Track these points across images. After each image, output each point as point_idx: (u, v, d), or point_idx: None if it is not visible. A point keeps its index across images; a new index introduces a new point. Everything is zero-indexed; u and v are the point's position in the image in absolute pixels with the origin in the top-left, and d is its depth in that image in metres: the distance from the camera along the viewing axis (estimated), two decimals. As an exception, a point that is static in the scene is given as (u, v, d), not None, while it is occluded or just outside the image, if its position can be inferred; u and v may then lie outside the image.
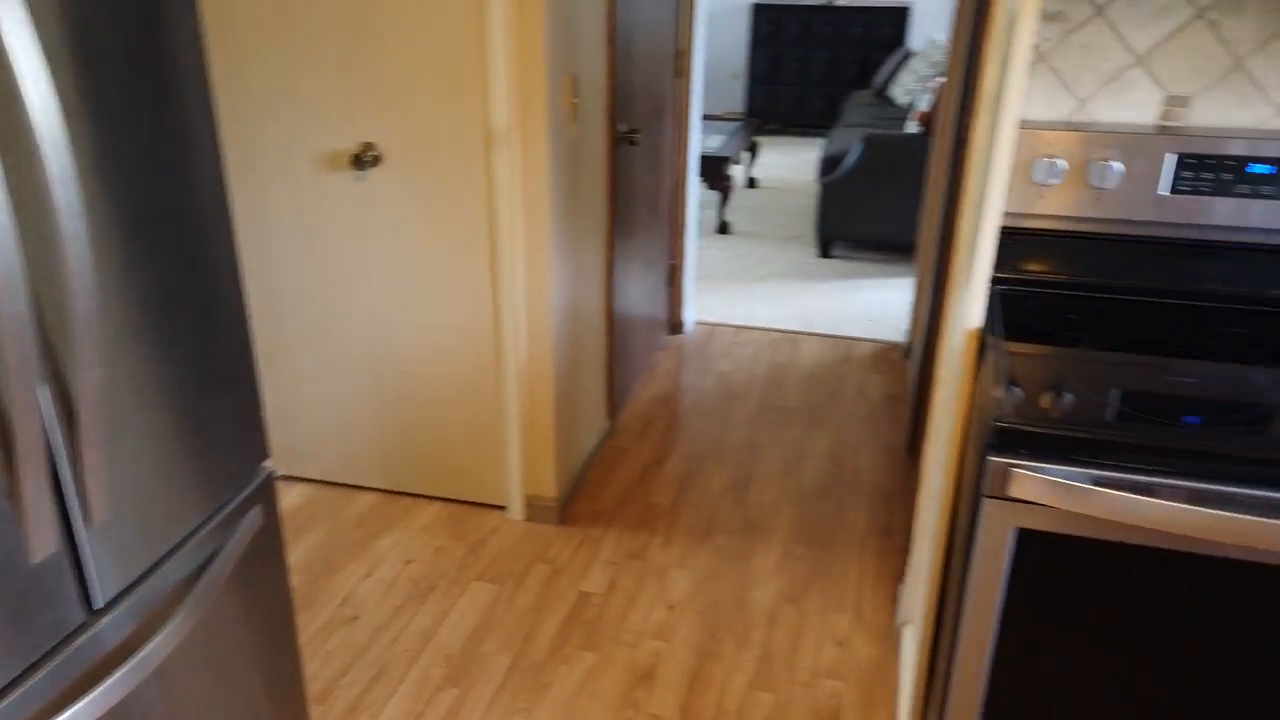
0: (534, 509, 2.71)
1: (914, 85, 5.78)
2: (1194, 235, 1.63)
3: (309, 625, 2.30)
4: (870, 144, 4.57)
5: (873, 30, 7.17)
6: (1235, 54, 1.60)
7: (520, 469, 2.68)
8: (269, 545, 1.47)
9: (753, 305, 4.26)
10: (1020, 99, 1.48)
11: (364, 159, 2.43)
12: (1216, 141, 1.56)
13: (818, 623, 2.33)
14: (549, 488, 2.69)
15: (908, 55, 6.25)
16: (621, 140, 2.92)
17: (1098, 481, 1.26)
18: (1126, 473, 1.26)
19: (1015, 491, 1.29)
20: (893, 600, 2.41)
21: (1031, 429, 1.29)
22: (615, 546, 2.61)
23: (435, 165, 2.42)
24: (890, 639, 2.27)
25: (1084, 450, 1.27)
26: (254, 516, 1.39)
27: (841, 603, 2.40)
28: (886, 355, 3.79)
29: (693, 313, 4.07)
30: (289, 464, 2.89)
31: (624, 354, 3.27)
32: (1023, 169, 1.65)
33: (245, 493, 1.38)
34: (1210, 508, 1.21)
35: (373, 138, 2.43)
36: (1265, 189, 1.56)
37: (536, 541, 2.62)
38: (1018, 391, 1.37)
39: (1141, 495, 1.24)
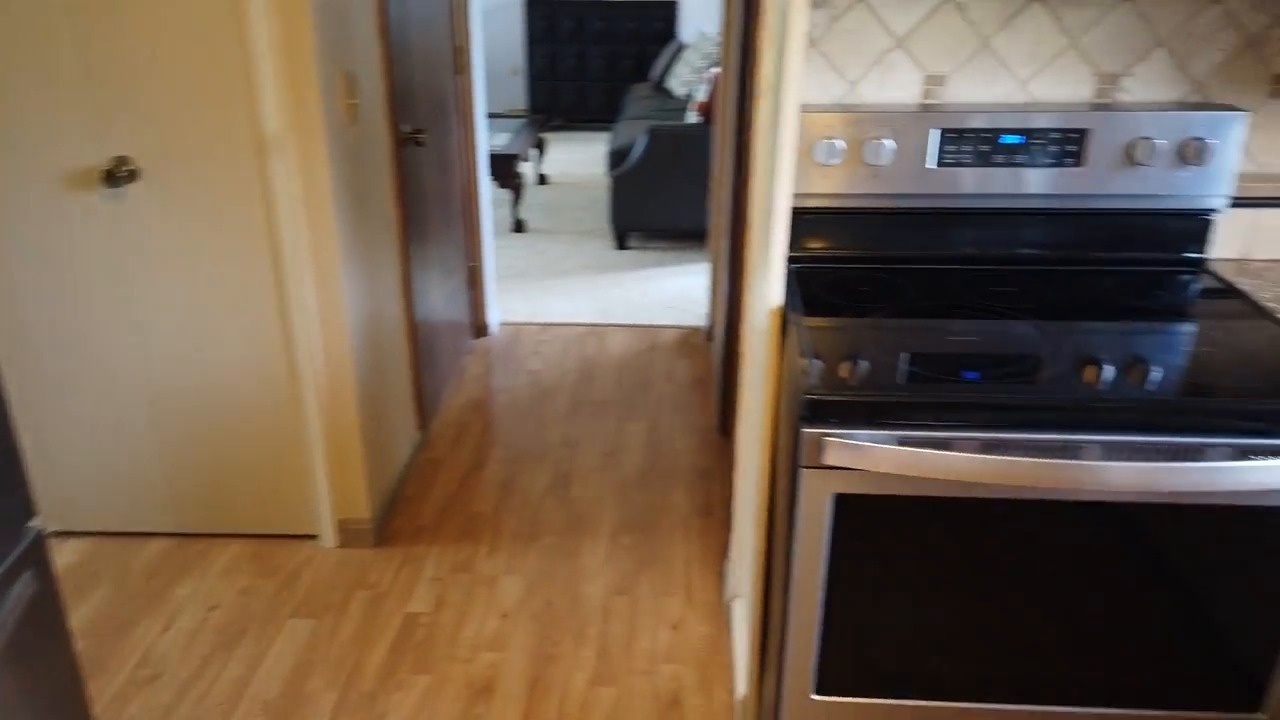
0: (348, 533, 2.57)
1: (690, 77, 5.95)
2: (960, 204, 1.76)
3: (103, 692, 2.08)
4: (654, 136, 4.66)
5: (645, 24, 7.32)
6: (981, 34, 1.73)
7: (329, 493, 2.53)
8: (46, 611, 1.30)
9: (556, 301, 4.24)
10: (799, 84, 1.53)
11: (118, 175, 2.20)
12: (972, 116, 1.69)
13: (650, 609, 2.35)
14: (362, 509, 2.56)
15: (681, 48, 6.42)
16: (406, 141, 2.82)
17: (902, 441, 1.33)
18: (926, 430, 1.34)
19: (830, 459, 1.34)
20: (720, 577, 2.46)
21: (839, 399, 1.34)
22: (439, 562, 2.52)
23: (201, 177, 2.24)
24: (721, 615, 2.33)
25: (887, 414, 1.34)
26: (25, 582, 1.23)
27: (671, 586, 2.43)
28: (690, 340, 3.89)
29: (497, 314, 4.01)
30: (62, 518, 2.60)
31: (430, 361, 3.17)
32: (805, 151, 1.72)
33: (11, 558, 1.22)
34: (999, 454, 1.31)
35: (126, 150, 2.21)
36: (1018, 157, 1.71)
37: (354, 567, 2.49)
38: (820, 364, 1.42)
39: (940, 450, 1.32)
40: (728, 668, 2.17)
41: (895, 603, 1.46)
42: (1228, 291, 1.70)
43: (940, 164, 1.72)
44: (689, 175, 4.70)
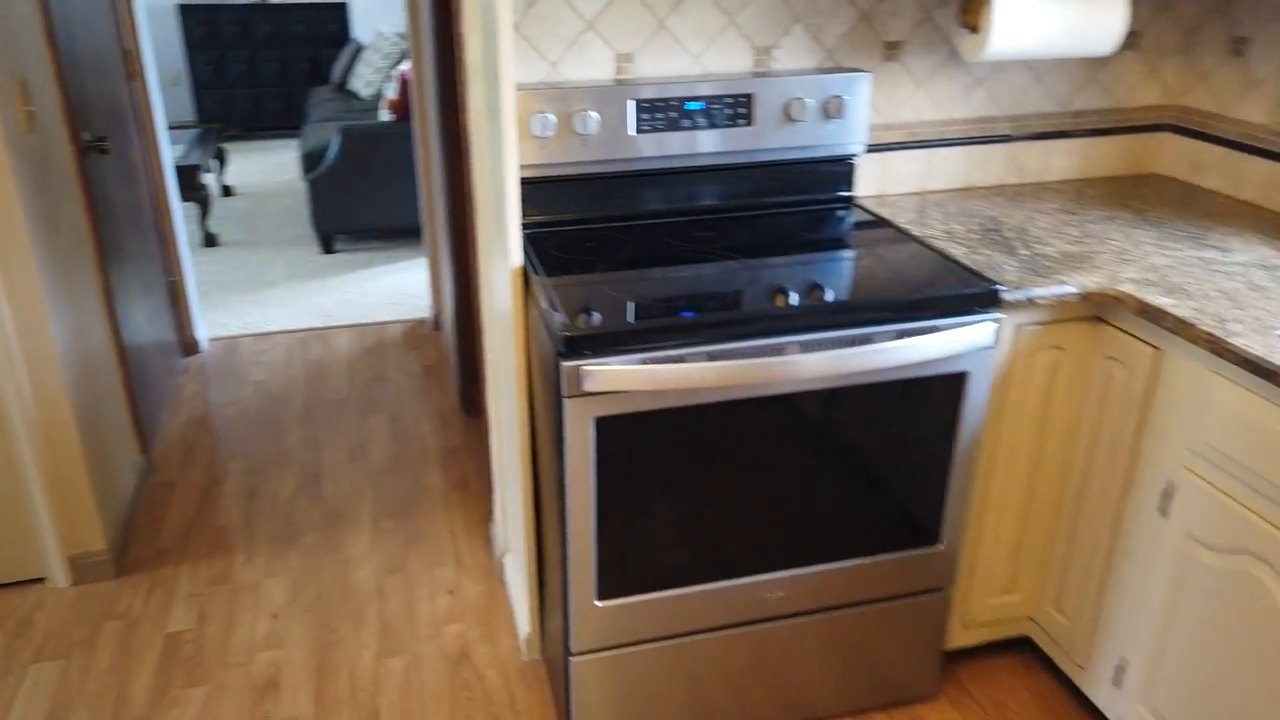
0: (83, 569, 2.41)
1: (373, 76, 5.91)
2: (661, 165, 2.01)
3: None
4: (348, 136, 4.63)
5: (316, 26, 7.12)
6: (658, 16, 1.99)
7: (55, 530, 2.35)
8: None
9: (268, 311, 4.11)
10: (511, 66, 1.70)
11: None
12: (659, 88, 1.95)
13: (424, 581, 2.43)
14: (96, 541, 2.40)
15: (360, 48, 6.34)
16: (89, 149, 2.65)
17: (644, 361, 1.55)
18: (662, 350, 1.56)
19: (588, 387, 1.53)
20: (487, 540, 2.60)
21: (589, 333, 1.54)
22: (192, 578, 2.43)
23: None
24: (493, 572, 2.46)
25: (630, 341, 1.55)
26: None
27: (441, 557, 2.52)
28: (417, 331, 3.94)
29: (205, 330, 3.82)
30: None
31: (144, 383, 2.99)
32: (523, 125, 1.89)
33: None
34: (721, 361, 1.57)
35: None
36: (701, 121, 1.99)
37: (96, 601, 2.34)
38: (564, 312, 1.61)
39: (676, 364, 1.55)
40: (508, 615, 2.31)
41: (654, 506, 1.68)
42: (876, 221, 2.09)
43: (639, 131, 1.96)
44: (389, 173, 4.71)
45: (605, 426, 1.60)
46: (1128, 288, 1.71)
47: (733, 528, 1.75)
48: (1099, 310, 1.80)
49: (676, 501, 1.70)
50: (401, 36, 5.85)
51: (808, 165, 2.11)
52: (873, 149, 2.22)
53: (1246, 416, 1.50)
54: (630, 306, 1.63)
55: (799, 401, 1.68)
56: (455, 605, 2.35)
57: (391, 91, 4.76)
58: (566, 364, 1.52)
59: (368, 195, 4.73)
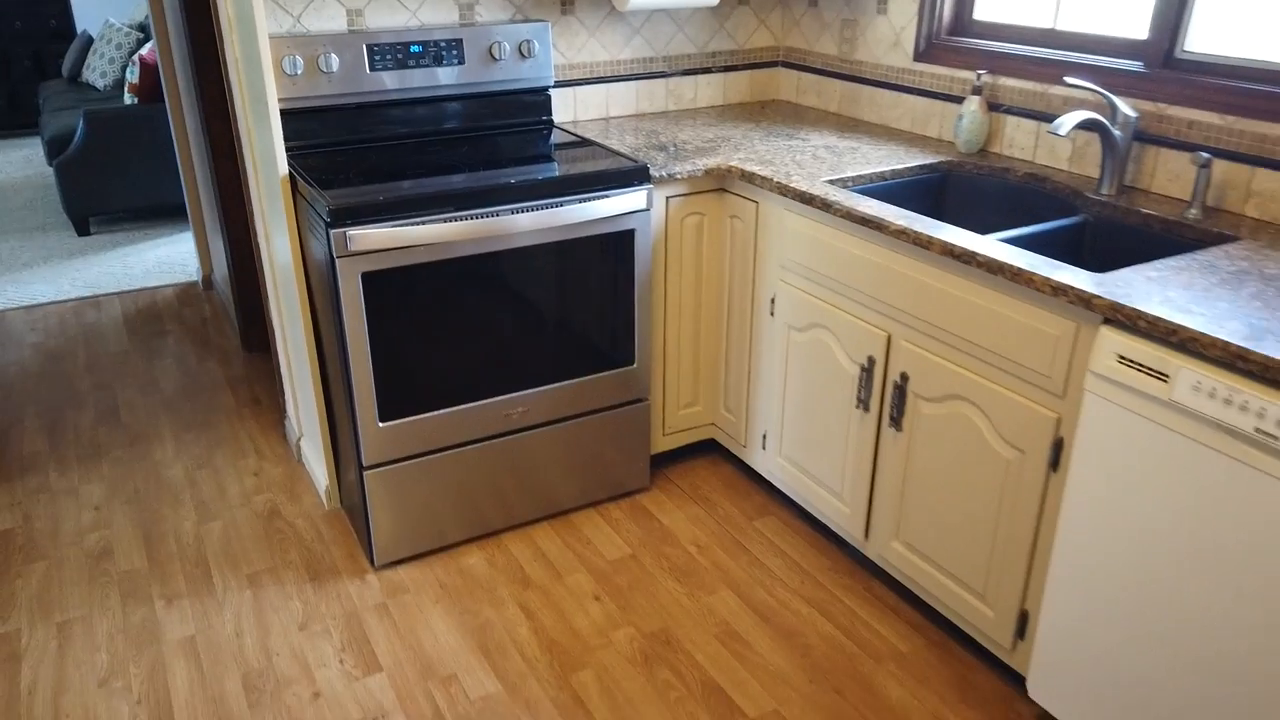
0: (-102, 498, 2.64)
1: (107, 67, 5.95)
2: (395, 96, 2.56)
3: None
4: (92, 120, 4.77)
5: (36, 22, 6.95)
6: (381, -19, 2.54)
7: None
8: None
9: (31, 288, 4.23)
10: (264, 19, 2.20)
11: None
12: (387, 35, 2.49)
13: (231, 470, 2.86)
14: (-92, 472, 2.64)
15: (90, 40, 6.32)
16: None
17: (392, 225, 2.11)
18: (406, 218, 2.13)
19: (353, 247, 2.07)
20: (282, 436, 3.04)
21: (350, 204, 2.08)
22: (10, 492, 2.72)
23: None
24: (290, 458, 2.92)
25: (382, 210, 2.10)
26: None
27: (243, 452, 2.95)
28: (189, 292, 4.23)
29: (-33, 308, 3.93)
30: None
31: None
32: (277, 66, 2.38)
33: None
34: (456, 223, 2.16)
35: None
36: (424, 61, 2.55)
37: (-82, 522, 2.60)
38: (328, 199, 2.14)
39: (415, 225, 2.12)
40: (308, 485, 2.79)
41: (415, 344, 2.25)
42: (569, 135, 2.74)
43: (372, 69, 2.50)
44: (139, 154, 4.89)
45: (370, 281, 2.14)
46: (735, 163, 2.46)
47: (478, 358, 2.35)
48: (721, 183, 2.54)
49: (431, 339, 2.27)
50: (134, 27, 5.94)
51: (512, 95, 2.73)
52: (562, 84, 2.88)
53: (804, 233, 2.28)
54: (378, 191, 2.19)
55: (519, 256, 2.30)
56: (260, 482, 2.80)
57: (133, 75, 4.94)
58: (335, 230, 2.06)
59: (119, 176, 4.89)
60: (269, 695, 2.04)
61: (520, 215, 2.23)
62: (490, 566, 2.44)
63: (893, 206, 2.14)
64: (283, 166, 2.29)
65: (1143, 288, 1.63)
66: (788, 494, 2.60)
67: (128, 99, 5.05)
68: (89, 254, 4.69)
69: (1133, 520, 1.62)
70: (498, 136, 2.70)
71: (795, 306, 2.37)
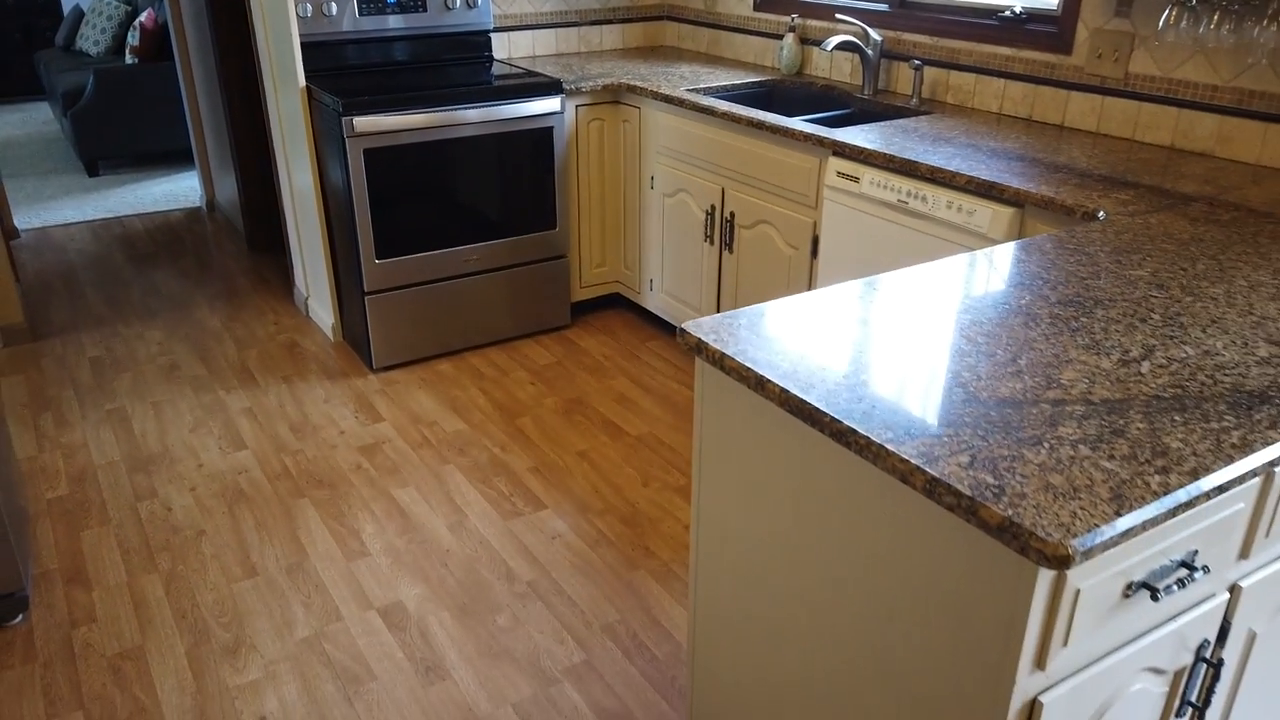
0: (9, 333, 3.54)
1: (100, 36, 6.74)
2: (378, 35, 3.52)
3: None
4: (101, 76, 5.61)
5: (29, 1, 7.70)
6: (365, -48, 3.49)
7: (-15, 311, 3.48)
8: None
9: (61, 211, 5.09)
10: (286, -26, 3.15)
11: None
12: (372, -8, 3.45)
13: (256, 321, 3.80)
14: (16, 316, 3.55)
15: (82, 13, 7.10)
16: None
17: (387, 114, 3.08)
18: (393, 111, 3.10)
19: (359, 129, 3.04)
20: (292, 302, 3.99)
21: (357, 100, 3.04)
22: (91, 335, 3.64)
23: None
24: (300, 315, 3.87)
25: (377, 105, 3.07)
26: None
27: (262, 312, 3.89)
28: (194, 215, 5.12)
29: (17, 222, 4.78)
30: None
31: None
32: (295, 10, 3.33)
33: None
34: (425, 114, 3.13)
35: None
36: (397, 8, 3.51)
37: (28, 352, 3.50)
38: (339, 97, 3.09)
39: (398, 114, 3.10)
40: (315, 328, 3.75)
41: (399, 203, 3.22)
42: (510, 68, 3.72)
43: (361, 15, 3.46)
44: (141, 107, 5.74)
45: (370, 156, 3.11)
46: (624, 80, 3.47)
47: (443, 217, 3.33)
48: (615, 95, 3.55)
49: (411, 200, 3.25)
50: (122, 0, 6.74)
51: (462, 35, 3.70)
52: (500, 29, 3.86)
53: (671, 127, 3.29)
54: (373, 94, 3.15)
55: (472, 143, 3.28)
56: (279, 329, 3.75)
57: (135, 39, 5.78)
58: (345, 118, 3.02)
59: (125, 125, 5.74)
60: (309, 433, 3.02)
61: (469, 110, 3.22)
62: (456, 370, 3.43)
63: (725, 102, 3.16)
64: (302, 81, 3.24)
65: (855, 135, 2.67)
66: (669, 321, 3.63)
67: (129, 59, 5.89)
68: (102, 189, 5.55)
69: (854, 256, 2.67)
70: (452, 65, 3.68)
71: (666, 179, 3.39)
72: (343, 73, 3.47)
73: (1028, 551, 1.00)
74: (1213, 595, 1.29)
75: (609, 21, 4.11)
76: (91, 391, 3.26)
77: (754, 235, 3.04)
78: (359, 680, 2.07)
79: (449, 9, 3.61)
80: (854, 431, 1.18)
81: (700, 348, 1.43)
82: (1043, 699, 1.13)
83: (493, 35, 3.83)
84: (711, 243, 3.23)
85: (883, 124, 2.79)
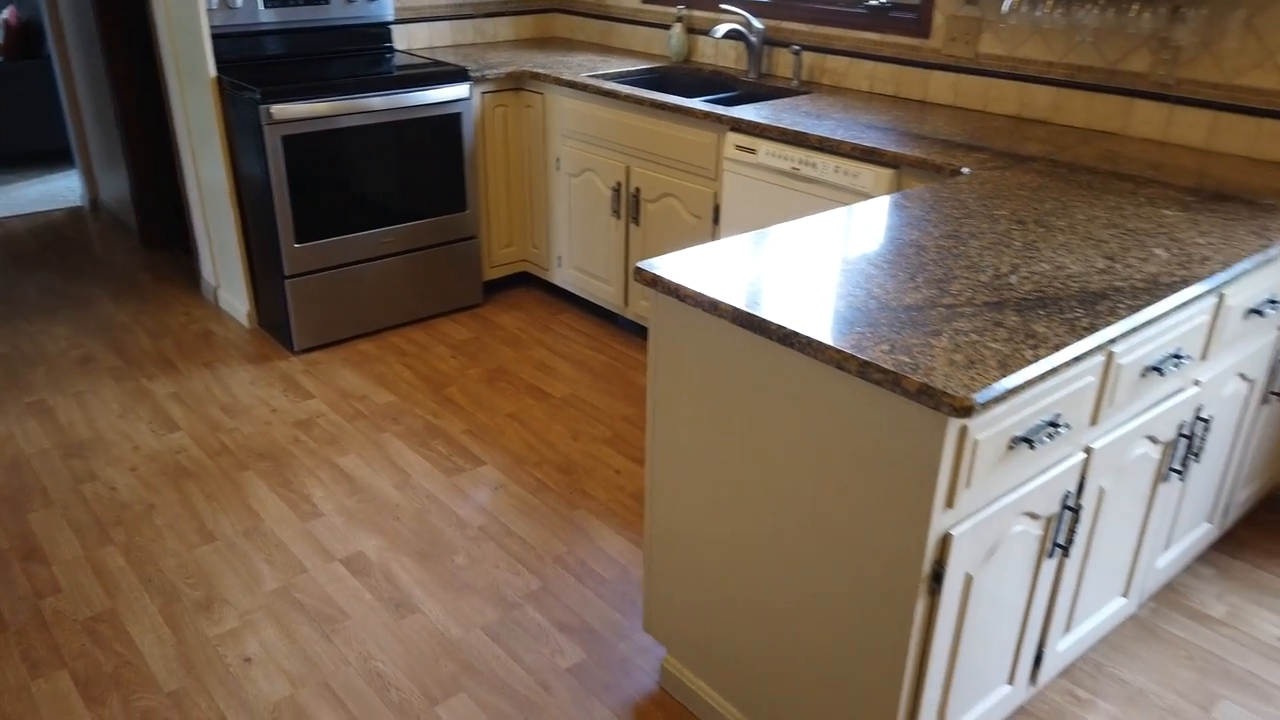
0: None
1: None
2: (282, 27, 3.60)
3: None
4: (-41, 75, 5.39)
5: None
6: (265, -55, 3.57)
7: None
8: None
9: (-74, 218, 4.88)
10: (191, -34, 3.21)
11: None
12: (274, -16, 3.53)
13: (165, 314, 3.82)
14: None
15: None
16: None
17: (302, 102, 3.19)
18: (306, 99, 3.21)
19: (276, 116, 3.14)
20: (199, 294, 4.01)
21: (274, 89, 3.14)
22: (-9, 337, 3.58)
23: None
24: (209, 305, 3.91)
25: (291, 94, 3.18)
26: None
27: (169, 305, 3.91)
28: (78, 214, 5.00)
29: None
30: None
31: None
32: (204, 2, 3.38)
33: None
34: (337, 101, 3.26)
35: None
36: (300, 1, 3.61)
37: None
38: (255, 86, 3.18)
39: (312, 104, 3.21)
40: (228, 318, 3.80)
41: (317, 187, 3.33)
42: (413, 58, 3.86)
43: (266, 6, 3.54)
44: (9, 108, 5.54)
45: (288, 143, 3.22)
46: (526, 68, 3.68)
47: (359, 201, 3.46)
48: (518, 83, 3.75)
49: (328, 186, 3.37)
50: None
51: (364, 28, 3.83)
52: (400, 21, 4.00)
53: (574, 110, 3.53)
54: (288, 83, 3.25)
55: (385, 129, 3.42)
56: (190, 319, 3.78)
57: (-5, 37, 5.57)
58: (263, 106, 3.12)
59: (-11, 125, 5.53)
60: (241, 413, 3.10)
61: (382, 97, 3.37)
62: (377, 348, 3.57)
63: (625, 86, 3.42)
64: (212, 71, 3.31)
65: (749, 112, 2.97)
66: (579, 294, 3.86)
67: (-10, 57, 5.66)
68: (-31, 192, 5.33)
69: (754, 220, 2.97)
70: (356, 56, 3.80)
71: (572, 160, 3.62)
72: (251, 64, 3.54)
73: (940, 406, 1.30)
74: (1073, 454, 1.64)
75: (502, 14, 4.30)
76: (6, 387, 3.24)
77: (659, 208, 3.30)
78: (333, 620, 2.23)
79: (351, 2, 3.73)
80: (798, 334, 1.46)
81: (657, 281, 1.68)
82: (953, 532, 1.43)
83: (393, 27, 3.96)
84: (619, 217, 3.48)
85: (770, 103, 3.11)
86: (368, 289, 3.60)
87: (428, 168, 3.60)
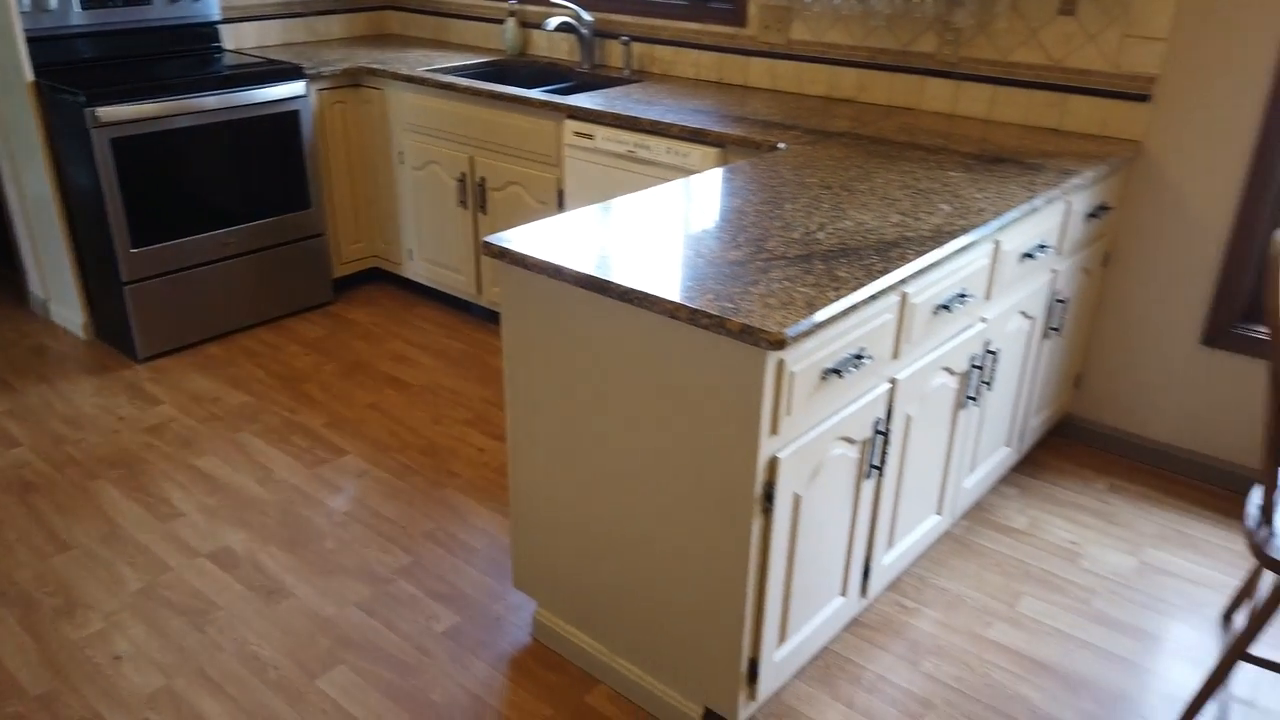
0: None
1: None
2: (102, 28, 3.50)
3: None
4: None
5: None
6: (77, -57, 3.46)
7: None
8: None
9: None
10: (-3, -34, 3.09)
11: None
12: (89, -17, 3.43)
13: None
14: None
15: None
16: None
17: (132, 104, 3.13)
18: (132, 101, 3.15)
19: (103, 119, 3.07)
20: (28, 309, 3.84)
21: (100, 91, 3.06)
22: None
23: None
24: (39, 319, 3.75)
25: (118, 95, 3.11)
26: None
27: (4, 332, 3.73)
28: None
29: None
30: None
31: None
32: (15, 3, 3.25)
33: None
34: (169, 101, 3.21)
35: None
36: (120, 1, 3.51)
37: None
38: (81, 89, 3.09)
39: (139, 105, 3.16)
40: (61, 330, 3.66)
41: (152, 189, 3.26)
42: (245, 57, 3.81)
43: (83, 7, 3.43)
44: None
45: (117, 146, 3.14)
46: (362, 64, 3.71)
47: (198, 203, 3.41)
48: (356, 79, 3.77)
49: (163, 188, 3.31)
50: None
51: (191, 27, 3.76)
52: (228, 20, 3.94)
53: (414, 104, 3.59)
54: (115, 85, 3.18)
55: (223, 128, 3.38)
56: (20, 335, 3.62)
57: None
58: (88, 109, 3.05)
59: None
60: (86, 424, 3.03)
61: (213, 96, 3.34)
62: (227, 351, 3.53)
63: (465, 79, 3.51)
64: (29, 75, 3.19)
65: (585, 100, 3.12)
66: (432, 286, 3.92)
67: None
68: None
69: (596, 202, 3.13)
70: (183, 57, 3.72)
71: (415, 153, 3.67)
72: (71, 68, 3.42)
73: (759, 342, 1.48)
74: (879, 385, 1.87)
75: (334, 11, 4.29)
76: None
77: (505, 196, 3.41)
78: (204, 612, 2.24)
79: (174, 2, 3.66)
80: (635, 290, 1.62)
81: (504, 253, 1.80)
82: (779, 455, 1.63)
83: (220, 27, 3.90)
84: (465, 207, 3.57)
85: (604, 91, 3.27)
86: (213, 292, 3.55)
87: (267, 167, 3.58)
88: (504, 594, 2.32)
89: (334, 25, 4.31)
